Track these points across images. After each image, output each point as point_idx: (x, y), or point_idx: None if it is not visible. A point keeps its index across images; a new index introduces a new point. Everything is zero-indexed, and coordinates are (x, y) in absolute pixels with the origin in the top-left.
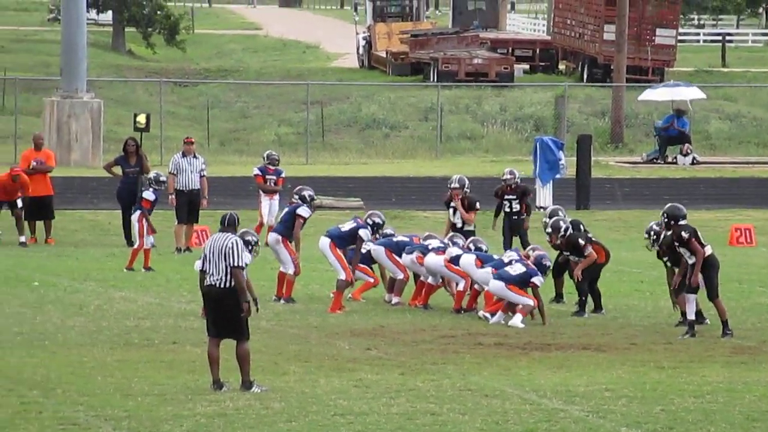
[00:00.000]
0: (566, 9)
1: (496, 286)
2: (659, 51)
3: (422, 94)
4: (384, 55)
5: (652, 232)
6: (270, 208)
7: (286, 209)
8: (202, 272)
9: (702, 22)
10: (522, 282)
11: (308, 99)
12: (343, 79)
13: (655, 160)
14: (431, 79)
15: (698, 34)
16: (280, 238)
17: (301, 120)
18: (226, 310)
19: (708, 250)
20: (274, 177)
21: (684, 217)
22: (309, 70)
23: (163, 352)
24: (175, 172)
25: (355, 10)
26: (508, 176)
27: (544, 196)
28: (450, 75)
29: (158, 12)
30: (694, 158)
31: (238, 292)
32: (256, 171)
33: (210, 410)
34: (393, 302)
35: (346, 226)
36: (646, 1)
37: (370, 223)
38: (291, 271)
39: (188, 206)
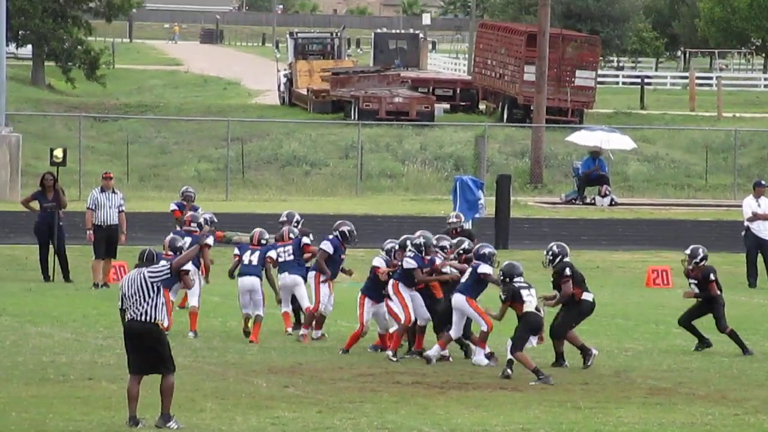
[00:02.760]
0: (487, 49)
1: (458, 299)
2: (579, 92)
3: (343, 132)
4: (305, 92)
5: (550, 253)
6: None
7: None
8: (122, 310)
9: (621, 64)
10: (477, 284)
11: (229, 135)
12: (264, 116)
13: (573, 201)
14: (352, 117)
15: (617, 76)
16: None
17: (221, 156)
18: (148, 346)
19: (586, 296)
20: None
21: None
22: (230, 107)
23: (78, 388)
24: (93, 208)
25: (277, 47)
26: (454, 220)
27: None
28: (371, 113)
29: (78, 46)
30: (612, 199)
31: (188, 259)
32: (174, 206)
33: None
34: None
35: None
36: (566, 42)
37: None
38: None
39: (106, 241)
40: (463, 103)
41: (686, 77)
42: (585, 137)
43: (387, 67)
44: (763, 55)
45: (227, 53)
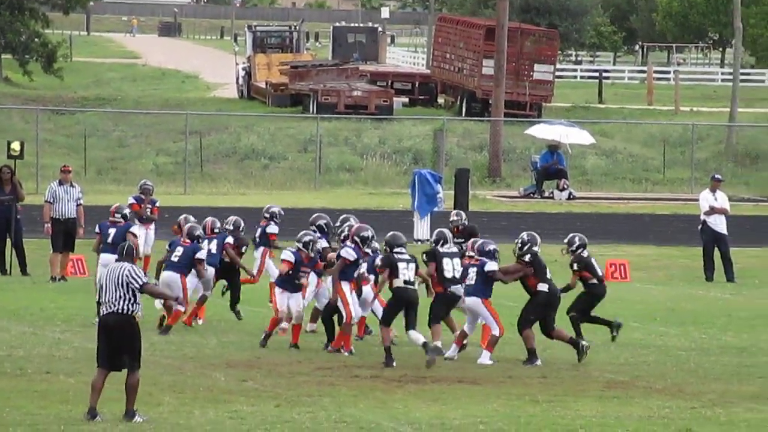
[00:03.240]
0: (446, 43)
1: (474, 302)
2: (537, 86)
3: (301, 126)
4: (263, 86)
5: (519, 242)
6: (146, 238)
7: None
8: (98, 303)
9: (579, 58)
10: (487, 282)
11: (187, 129)
12: (223, 110)
13: (532, 195)
14: (311, 111)
15: (576, 70)
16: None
17: (179, 150)
18: (122, 338)
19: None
20: (150, 206)
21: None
22: (188, 100)
23: (36, 381)
24: (51, 201)
25: (235, 40)
26: (455, 218)
27: (422, 229)
28: (329, 107)
29: (35, 39)
30: (570, 193)
31: (163, 297)
32: (132, 200)
33: None
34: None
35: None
36: (525, 36)
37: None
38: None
39: (64, 235)
40: (422, 97)
41: (644, 71)
42: (544, 131)
43: (346, 61)
44: (720, 49)
45: (186, 46)
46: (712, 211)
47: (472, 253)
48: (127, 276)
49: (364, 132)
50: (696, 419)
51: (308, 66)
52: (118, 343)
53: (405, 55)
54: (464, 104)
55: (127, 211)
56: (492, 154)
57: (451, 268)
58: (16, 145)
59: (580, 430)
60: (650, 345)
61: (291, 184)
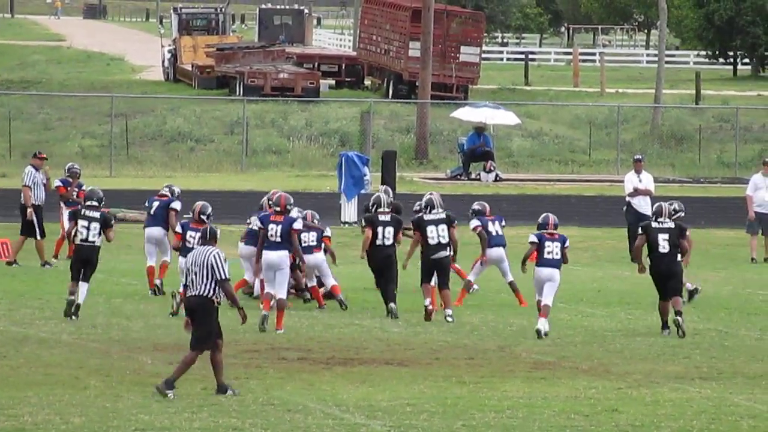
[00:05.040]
0: (372, 25)
1: (555, 274)
2: (463, 68)
3: (228, 108)
4: (189, 68)
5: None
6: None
7: (157, 204)
8: (185, 286)
9: (506, 40)
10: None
11: (113, 111)
12: (148, 92)
13: (459, 177)
14: (237, 93)
15: (502, 52)
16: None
17: (105, 132)
18: (201, 318)
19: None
20: (76, 190)
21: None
22: (113, 83)
23: None
24: (30, 185)
25: (161, 22)
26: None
27: (348, 211)
28: (256, 89)
29: None
30: (497, 175)
31: (232, 303)
32: (59, 183)
33: (8, 425)
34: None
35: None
36: (451, 18)
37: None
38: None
39: (38, 220)
40: (349, 79)
41: (570, 53)
42: (469, 114)
43: (272, 43)
44: (646, 31)
45: (111, 29)
46: (636, 192)
47: (552, 230)
48: (212, 264)
49: (290, 114)
50: (622, 399)
51: (234, 48)
52: (197, 322)
53: (331, 37)
54: (391, 86)
55: (176, 188)
56: (419, 136)
57: (436, 234)
58: None
59: (507, 410)
60: (577, 326)
61: (217, 166)
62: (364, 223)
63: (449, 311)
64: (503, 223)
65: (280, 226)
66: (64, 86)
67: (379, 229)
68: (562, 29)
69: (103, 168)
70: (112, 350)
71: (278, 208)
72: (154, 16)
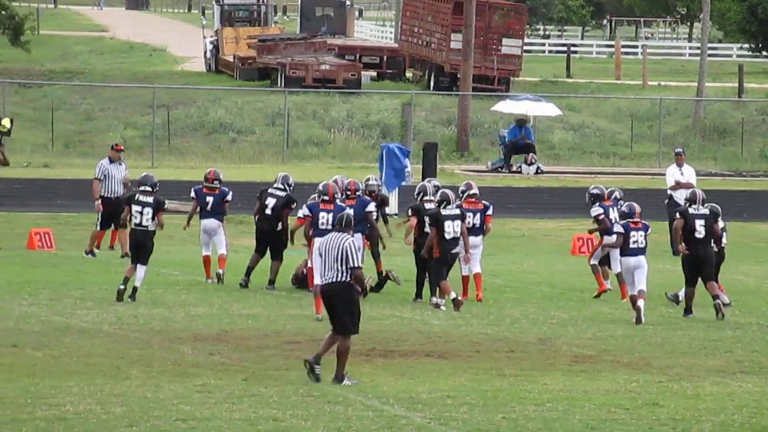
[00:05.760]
0: (414, 17)
1: (643, 261)
2: (505, 60)
3: (269, 100)
4: (231, 59)
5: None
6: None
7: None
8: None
9: (548, 32)
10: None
11: (155, 102)
12: (190, 83)
13: (500, 169)
14: (278, 85)
15: (544, 44)
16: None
17: (147, 123)
18: (340, 304)
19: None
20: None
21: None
22: (155, 73)
23: (2, 355)
24: (102, 178)
25: (203, 13)
26: (373, 182)
27: (390, 203)
28: (297, 81)
29: (2, 12)
30: (538, 168)
31: (357, 284)
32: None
33: (50, 414)
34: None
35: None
36: (493, 10)
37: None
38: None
39: (114, 213)
40: (390, 71)
41: (612, 46)
42: (510, 106)
43: (314, 35)
44: (688, 23)
45: (153, 19)
46: (678, 185)
47: (637, 219)
48: (346, 252)
49: (332, 106)
50: (662, 393)
51: (276, 39)
52: (334, 309)
53: (373, 29)
54: (432, 78)
55: (222, 176)
56: (460, 128)
57: (452, 230)
58: (6, 122)
59: (548, 404)
60: (618, 319)
61: (259, 157)
62: (410, 213)
63: (443, 300)
64: (648, 231)
65: (330, 214)
66: (107, 77)
67: (446, 223)
68: (605, 22)
69: (144, 159)
70: (153, 340)
71: (326, 197)
72: (196, 7)
